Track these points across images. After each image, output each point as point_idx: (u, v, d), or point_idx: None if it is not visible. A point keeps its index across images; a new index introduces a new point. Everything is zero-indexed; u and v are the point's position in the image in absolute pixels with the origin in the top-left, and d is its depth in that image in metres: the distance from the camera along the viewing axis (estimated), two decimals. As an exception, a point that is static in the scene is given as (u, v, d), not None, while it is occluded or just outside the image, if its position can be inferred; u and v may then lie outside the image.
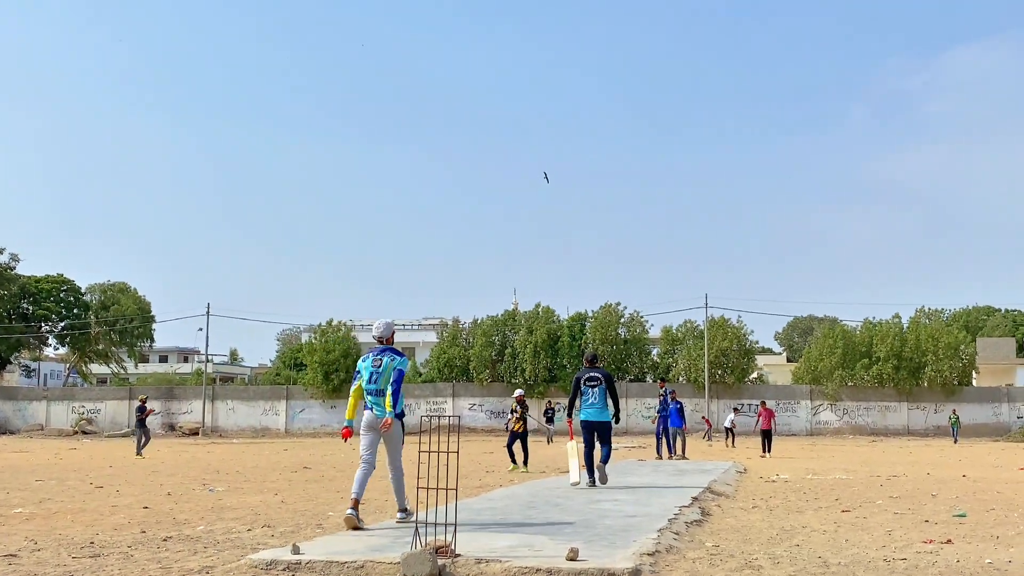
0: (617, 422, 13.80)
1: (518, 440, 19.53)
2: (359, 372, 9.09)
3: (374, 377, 8.93)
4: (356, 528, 8.44)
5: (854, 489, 14.16)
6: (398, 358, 8.94)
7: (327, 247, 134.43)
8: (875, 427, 50.56)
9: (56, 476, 17.92)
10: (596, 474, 13.10)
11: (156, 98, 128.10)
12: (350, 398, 9.18)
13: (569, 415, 13.57)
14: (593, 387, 13.15)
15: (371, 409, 8.92)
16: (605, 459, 13.28)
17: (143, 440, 27.53)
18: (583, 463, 13.44)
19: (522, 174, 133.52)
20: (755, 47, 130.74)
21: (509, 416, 20.26)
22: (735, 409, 43.65)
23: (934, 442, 42.74)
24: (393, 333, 9.34)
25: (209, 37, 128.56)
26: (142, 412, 28.06)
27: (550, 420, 40.22)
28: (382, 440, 8.89)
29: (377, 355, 9.05)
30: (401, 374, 8.87)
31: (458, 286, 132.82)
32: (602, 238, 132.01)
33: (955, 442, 42.01)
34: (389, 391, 8.77)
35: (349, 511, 8.56)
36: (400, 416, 8.88)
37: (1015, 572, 6.64)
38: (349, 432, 9.05)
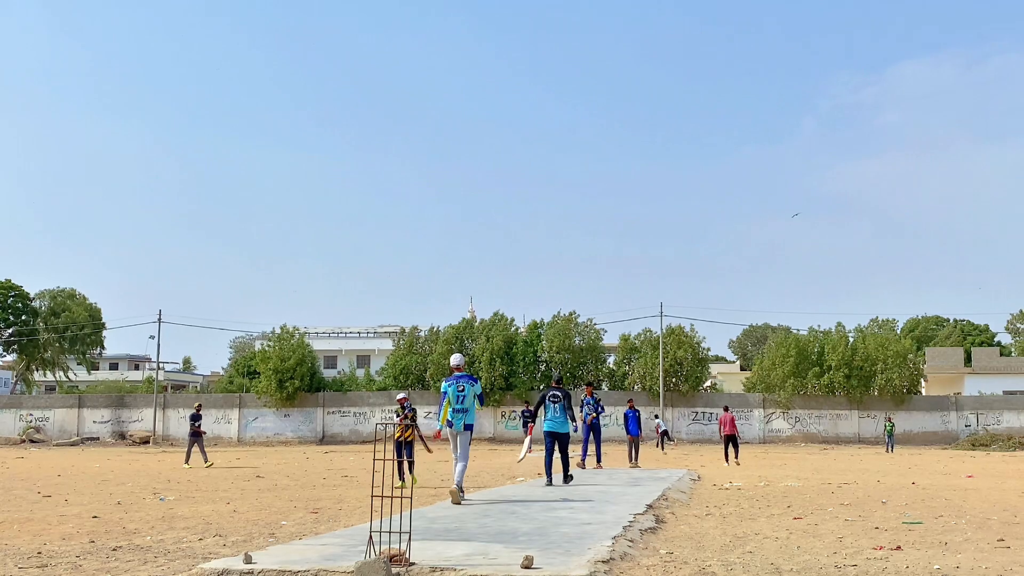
0: (575, 431, 15.98)
1: (404, 451, 16.12)
2: (446, 392, 12.28)
3: (460, 399, 12.21)
4: (458, 503, 11.57)
5: (806, 496, 14.32)
6: (476, 384, 12.45)
7: (282, 254, 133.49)
8: (826, 435, 51.11)
9: (2, 485, 17.58)
10: (559, 476, 15.16)
11: (107, 102, 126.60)
12: (442, 412, 12.30)
13: (532, 420, 16.41)
14: (556, 403, 15.20)
15: (451, 424, 12.18)
16: (565, 471, 15.33)
17: (194, 449, 26.34)
18: (544, 469, 15.35)
19: (479, 181, 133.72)
20: (706, 61, 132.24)
21: (397, 421, 17.78)
22: (655, 416, 44.13)
23: (884, 450, 43.23)
24: (465, 362, 12.90)
25: (177, 40, 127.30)
26: (196, 420, 26.42)
27: (532, 420, 39.46)
28: (459, 441, 12.24)
29: (460, 381, 12.30)
30: (481, 398, 12.49)
31: (414, 294, 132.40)
32: (560, 247, 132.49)
33: (888, 451, 41.19)
34: (475, 409, 12.45)
35: (456, 488, 11.86)
36: (470, 427, 12.27)
37: (962, 577, 6.74)
38: (440, 434, 12.58)
